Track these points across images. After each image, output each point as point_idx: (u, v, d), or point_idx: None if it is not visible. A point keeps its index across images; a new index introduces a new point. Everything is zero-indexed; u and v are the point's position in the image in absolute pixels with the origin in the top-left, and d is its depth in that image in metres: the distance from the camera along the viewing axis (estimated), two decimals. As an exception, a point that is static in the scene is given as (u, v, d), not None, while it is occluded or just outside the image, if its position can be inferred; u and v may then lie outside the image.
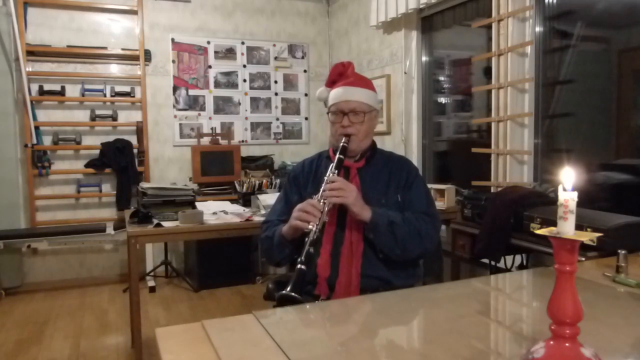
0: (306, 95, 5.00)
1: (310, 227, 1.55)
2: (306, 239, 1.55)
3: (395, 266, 1.66)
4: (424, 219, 1.66)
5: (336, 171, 1.65)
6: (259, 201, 2.84)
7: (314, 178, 1.79)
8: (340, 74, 1.77)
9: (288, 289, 1.45)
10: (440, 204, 2.85)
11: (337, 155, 1.68)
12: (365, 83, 1.76)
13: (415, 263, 1.77)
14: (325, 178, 1.64)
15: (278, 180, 3.44)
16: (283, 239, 1.67)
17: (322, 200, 1.59)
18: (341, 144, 1.69)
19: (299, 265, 1.51)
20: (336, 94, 1.74)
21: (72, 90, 4.25)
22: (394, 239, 1.59)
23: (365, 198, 1.65)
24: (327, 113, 1.79)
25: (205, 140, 4.53)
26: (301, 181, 1.83)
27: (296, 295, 1.43)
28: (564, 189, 0.76)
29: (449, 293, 1.32)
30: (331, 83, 1.80)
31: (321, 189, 1.61)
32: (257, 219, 2.55)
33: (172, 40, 4.51)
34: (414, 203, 1.70)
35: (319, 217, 1.55)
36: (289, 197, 1.84)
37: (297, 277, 1.49)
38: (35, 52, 4.09)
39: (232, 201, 3.17)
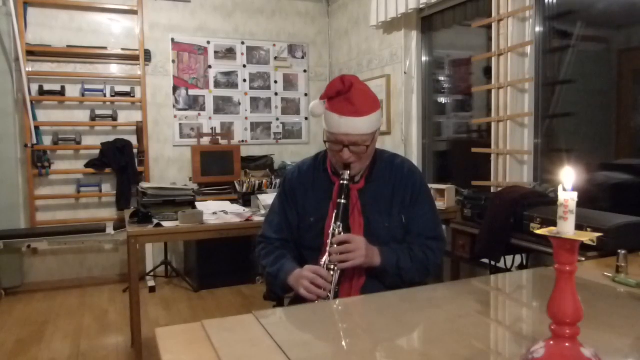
0: (306, 95, 5.00)
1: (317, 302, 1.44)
2: None
3: (396, 287, 1.62)
4: (431, 248, 1.60)
5: (340, 224, 1.51)
6: (259, 201, 2.84)
7: (312, 194, 1.67)
8: (339, 93, 1.52)
9: None
10: (440, 204, 2.85)
11: (339, 200, 1.52)
12: (368, 106, 1.52)
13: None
14: (330, 232, 1.51)
15: (278, 181, 3.44)
16: (288, 286, 1.56)
17: (331, 268, 1.47)
18: (342, 181, 1.53)
19: None
20: (335, 123, 1.52)
21: (72, 90, 4.25)
22: (401, 280, 1.56)
23: (367, 222, 1.58)
24: (325, 141, 1.60)
25: (205, 140, 4.53)
26: (298, 196, 1.69)
27: None
28: (564, 189, 0.76)
29: (449, 293, 1.32)
30: (327, 98, 1.55)
31: (327, 252, 1.49)
32: (257, 219, 2.55)
33: (172, 40, 4.51)
34: (420, 224, 1.62)
35: (329, 290, 1.45)
36: (286, 212, 1.71)
37: None
38: (35, 52, 4.09)
39: (232, 201, 3.17)
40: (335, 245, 1.48)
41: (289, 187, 1.73)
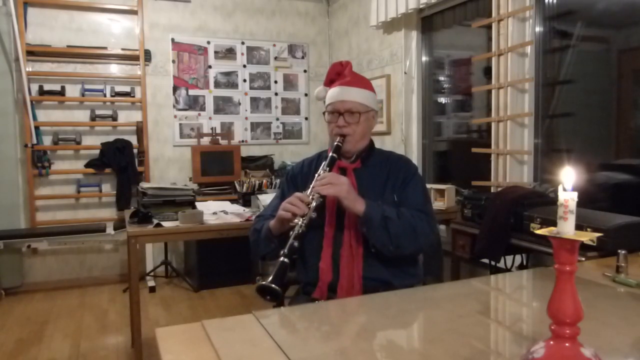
0: (306, 95, 5.00)
1: (295, 220, 1.53)
2: (291, 232, 1.53)
3: (394, 266, 1.64)
4: (419, 216, 1.63)
5: (328, 168, 1.64)
6: (259, 201, 2.84)
7: (312, 180, 1.75)
8: (339, 74, 1.75)
9: (269, 279, 1.43)
10: (440, 204, 2.85)
11: (330, 154, 1.67)
12: (363, 83, 1.74)
13: (414, 262, 1.76)
14: (316, 175, 1.63)
15: (278, 180, 3.44)
16: (270, 232, 1.65)
17: (310, 195, 1.56)
18: (335, 143, 1.68)
19: (281, 258, 1.49)
20: (332, 94, 1.72)
21: (72, 90, 4.25)
22: (388, 234, 1.56)
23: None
24: (324, 113, 1.78)
25: (205, 140, 4.53)
26: (299, 181, 1.81)
27: (276, 287, 1.41)
28: (564, 189, 0.76)
29: (449, 293, 1.32)
30: (329, 82, 1.78)
31: (311, 185, 1.59)
32: (257, 219, 2.55)
33: (172, 40, 4.51)
34: (410, 200, 1.68)
35: (305, 211, 1.53)
36: (285, 195, 1.79)
37: (279, 269, 1.47)
38: (35, 52, 4.09)
39: (232, 201, 3.17)
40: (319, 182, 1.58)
41: (291, 176, 1.87)
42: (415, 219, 1.61)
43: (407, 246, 1.60)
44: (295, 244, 1.51)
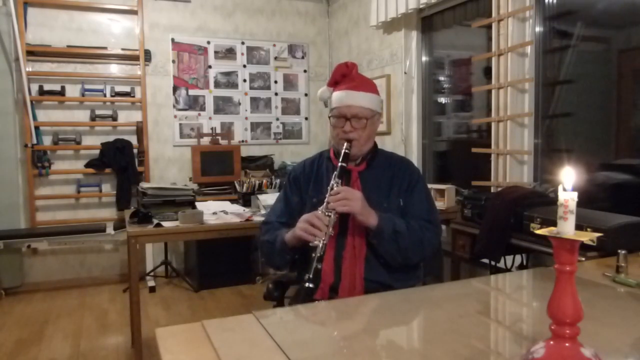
0: (306, 95, 5.00)
1: (316, 242, 1.52)
2: (313, 255, 1.52)
3: (395, 270, 1.65)
4: (427, 227, 1.65)
5: (339, 180, 1.62)
6: (259, 201, 2.84)
7: (314, 180, 1.77)
8: (344, 75, 1.73)
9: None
10: (440, 204, 2.85)
11: (340, 163, 1.64)
12: (369, 86, 1.73)
13: (416, 266, 1.77)
14: (329, 188, 1.61)
15: (278, 180, 3.43)
16: (285, 246, 1.65)
17: (327, 213, 1.55)
18: (343, 150, 1.66)
19: (306, 284, 1.49)
20: (338, 98, 1.70)
21: (72, 90, 4.25)
22: (397, 247, 1.58)
23: (366, 201, 1.63)
24: (329, 117, 1.75)
25: (205, 140, 4.53)
26: (302, 182, 1.81)
27: None
28: (564, 189, 0.76)
29: (449, 293, 1.32)
30: (333, 83, 1.76)
31: (325, 200, 1.57)
32: (257, 219, 2.55)
33: (172, 40, 4.51)
34: (416, 208, 1.69)
35: (325, 231, 1.53)
36: (289, 198, 1.82)
37: (306, 296, 1.49)
38: (35, 52, 4.09)
39: (232, 201, 3.17)
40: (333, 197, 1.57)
41: (293, 177, 1.85)
42: (422, 231, 1.64)
43: (413, 258, 1.64)
44: (319, 266, 1.52)
